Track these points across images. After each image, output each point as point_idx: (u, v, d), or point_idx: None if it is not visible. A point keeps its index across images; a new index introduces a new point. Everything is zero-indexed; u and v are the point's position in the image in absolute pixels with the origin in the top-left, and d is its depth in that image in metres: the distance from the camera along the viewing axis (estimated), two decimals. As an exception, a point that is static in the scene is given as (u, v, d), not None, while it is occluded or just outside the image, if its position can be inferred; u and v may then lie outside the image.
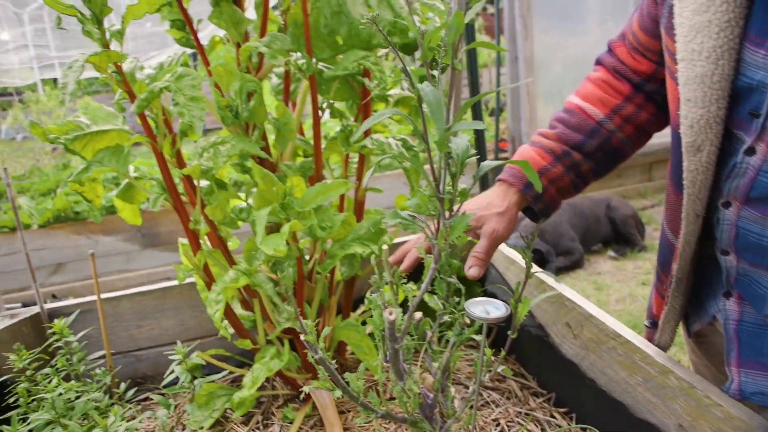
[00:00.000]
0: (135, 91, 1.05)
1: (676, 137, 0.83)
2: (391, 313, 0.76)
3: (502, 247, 1.57)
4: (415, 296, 0.81)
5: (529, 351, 1.43)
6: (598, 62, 1.06)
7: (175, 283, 1.49)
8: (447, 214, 0.72)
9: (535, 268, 1.43)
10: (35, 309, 1.44)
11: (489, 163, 0.73)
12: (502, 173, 1.08)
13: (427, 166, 0.73)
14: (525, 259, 0.89)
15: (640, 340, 1.08)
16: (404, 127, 1.47)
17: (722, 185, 0.77)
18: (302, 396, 0.88)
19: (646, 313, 1.09)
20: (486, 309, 0.80)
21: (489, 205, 1.05)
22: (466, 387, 1.41)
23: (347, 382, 0.91)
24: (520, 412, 1.29)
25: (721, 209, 0.79)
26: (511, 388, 1.38)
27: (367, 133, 1.28)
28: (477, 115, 1.78)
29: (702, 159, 0.75)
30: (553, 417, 1.28)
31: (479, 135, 1.79)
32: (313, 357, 0.83)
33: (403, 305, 1.63)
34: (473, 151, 0.72)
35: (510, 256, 1.52)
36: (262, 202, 1.04)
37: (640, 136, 1.06)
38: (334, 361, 1.30)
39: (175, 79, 0.97)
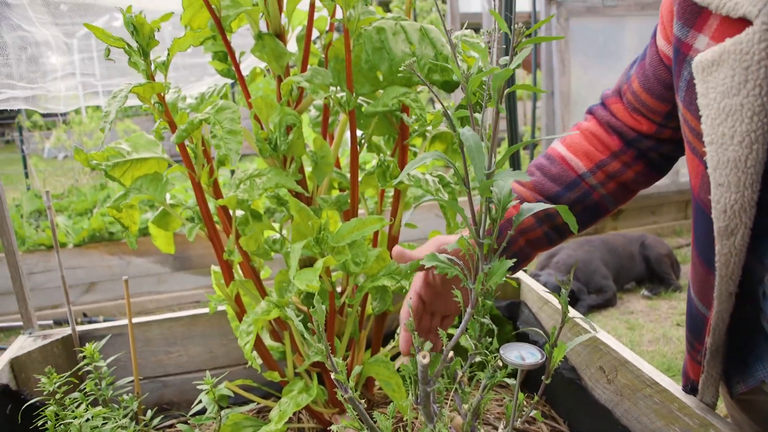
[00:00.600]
0: (176, 122, 1.07)
1: (701, 213, 0.79)
2: (424, 357, 0.75)
3: (537, 286, 1.54)
4: (450, 339, 0.79)
5: (561, 394, 1.39)
6: (590, 112, 1.01)
7: (205, 310, 1.49)
8: (485, 259, 0.71)
9: (571, 311, 1.41)
10: (67, 331, 1.46)
11: (530, 206, 0.72)
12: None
13: (463, 200, 0.71)
14: (561, 303, 0.86)
15: (678, 389, 1.04)
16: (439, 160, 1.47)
17: (766, 261, 0.74)
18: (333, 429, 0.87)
19: (682, 377, 1.03)
20: (521, 354, 0.79)
21: (426, 282, 0.97)
22: (495, 428, 1.37)
23: (375, 421, 0.89)
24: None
25: (766, 283, 0.76)
26: (541, 431, 1.35)
27: (402, 166, 1.28)
28: (515, 158, 1.76)
29: (736, 242, 0.72)
30: (584, 465, 1.24)
31: (514, 160, 1.78)
32: (342, 396, 0.82)
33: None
34: (515, 195, 0.71)
35: (544, 296, 1.49)
36: (297, 235, 1.04)
37: (623, 193, 1.01)
38: (362, 399, 1.29)
39: (215, 111, 0.98)
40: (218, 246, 1.16)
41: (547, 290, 1.05)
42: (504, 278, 1.43)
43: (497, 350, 0.98)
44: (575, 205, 0.97)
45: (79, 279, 3.78)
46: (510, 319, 1.59)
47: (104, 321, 2.81)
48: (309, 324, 0.80)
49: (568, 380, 1.33)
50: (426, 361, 0.75)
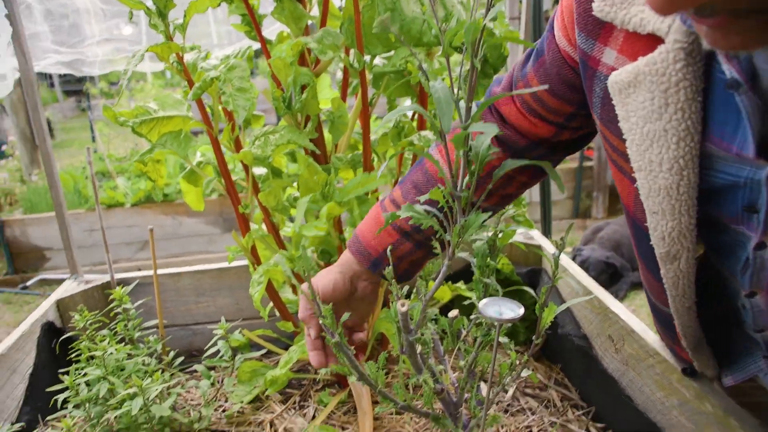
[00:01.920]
0: (195, 80, 1.12)
1: (639, 230, 0.75)
2: (403, 305, 0.78)
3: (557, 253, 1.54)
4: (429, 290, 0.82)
5: (574, 361, 1.40)
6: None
7: (234, 264, 1.56)
8: (462, 212, 0.73)
9: (575, 269, 1.40)
10: (107, 277, 1.56)
11: (512, 162, 0.72)
12: (351, 240, 0.95)
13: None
14: (551, 265, 0.87)
15: (677, 361, 1.03)
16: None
17: (740, 278, 0.69)
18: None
19: (678, 362, 1.01)
20: (500, 309, 0.80)
21: (335, 289, 0.92)
22: (505, 390, 1.40)
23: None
24: (554, 422, 1.27)
25: (744, 298, 0.73)
26: (551, 398, 1.36)
27: (421, 128, 1.29)
28: None
29: (680, 266, 0.69)
30: (589, 431, 1.24)
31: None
32: (330, 341, 0.86)
33: (453, 304, 1.64)
34: (495, 149, 0.72)
35: (563, 264, 1.49)
36: (305, 190, 1.08)
37: (505, 202, 0.96)
38: (373, 356, 1.32)
39: (226, 70, 1.02)
40: (235, 200, 1.21)
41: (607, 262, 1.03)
42: (510, 240, 1.43)
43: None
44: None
45: (135, 237, 3.99)
46: (531, 285, 1.60)
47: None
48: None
49: (579, 348, 1.34)
50: (404, 309, 0.78)
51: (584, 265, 3.15)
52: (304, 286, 0.97)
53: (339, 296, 0.92)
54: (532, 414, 1.30)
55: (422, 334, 0.87)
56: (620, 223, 3.48)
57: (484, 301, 0.82)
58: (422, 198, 0.72)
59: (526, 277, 1.61)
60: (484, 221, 0.72)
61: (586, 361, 1.31)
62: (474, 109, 0.68)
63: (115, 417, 0.99)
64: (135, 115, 1.20)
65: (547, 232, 1.80)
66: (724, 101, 0.57)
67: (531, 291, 1.15)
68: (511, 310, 0.81)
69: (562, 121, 0.81)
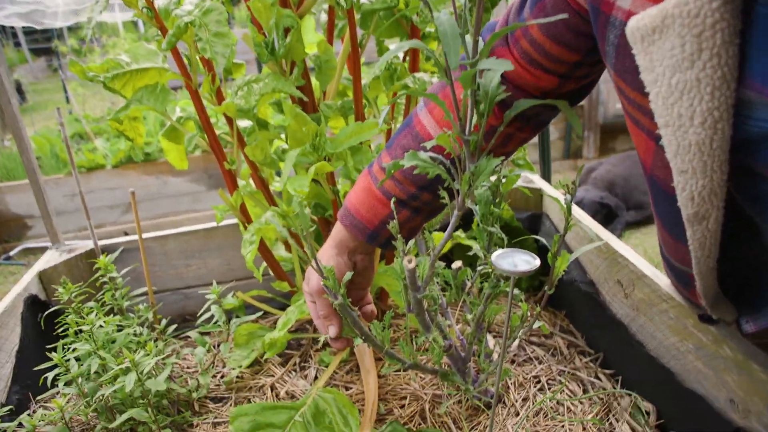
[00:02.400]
0: (168, 28, 1.02)
1: (659, 190, 0.69)
2: (410, 261, 0.72)
3: (559, 197, 1.48)
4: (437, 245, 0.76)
5: (579, 308, 1.36)
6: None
7: (222, 223, 1.50)
8: (472, 157, 0.66)
9: (588, 225, 1.35)
10: (90, 245, 1.49)
11: (524, 102, 0.66)
12: (343, 213, 0.89)
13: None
14: (563, 210, 0.81)
15: (692, 305, 0.99)
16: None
17: None
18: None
19: (692, 308, 0.96)
20: (515, 261, 0.74)
21: (338, 272, 0.89)
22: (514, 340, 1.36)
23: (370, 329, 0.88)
24: (563, 371, 1.24)
25: None
26: (557, 345, 1.33)
27: (414, 71, 1.21)
28: None
29: (709, 226, 0.63)
30: (598, 378, 1.21)
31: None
32: (332, 302, 0.80)
33: (453, 254, 1.59)
34: (503, 87, 0.65)
35: (555, 196, 1.43)
36: (294, 142, 1.00)
37: (508, 155, 0.89)
38: (376, 312, 1.28)
39: (201, 14, 0.93)
40: (220, 156, 1.14)
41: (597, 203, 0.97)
42: (516, 186, 1.37)
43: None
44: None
45: (118, 199, 3.88)
46: (531, 231, 1.55)
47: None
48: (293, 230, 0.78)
49: (585, 294, 1.30)
50: (412, 265, 0.72)
51: (578, 206, 3.11)
52: (310, 272, 0.91)
53: (343, 274, 0.88)
54: (539, 363, 1.27)
55: (429, 291, 0.82)
56: (613, 162, 3.44)
57: (497, 252, 0.76)
58: (428, 144, 0.64)
59: (527, 222, 1.56)
60: (496, 167, 0.65)
61: (593, 307, 1.27)
62: (481, 44, 0.61)
63: (109, 393, 0.94)
64: (106, 69, 1.11)
65: (546, 175, 1.74)
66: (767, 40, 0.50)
67: (543, 239, 1.10)
68: (526, 262, 0.75)
69: (566, 71, 0.74)
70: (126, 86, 1.14)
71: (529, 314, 0.97)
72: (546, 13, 0.70)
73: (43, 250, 3.74)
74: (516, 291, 0.91)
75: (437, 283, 1.12)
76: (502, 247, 1.08)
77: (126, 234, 3.93)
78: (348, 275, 0.82)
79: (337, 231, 0.91)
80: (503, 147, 0.85)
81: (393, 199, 0.73)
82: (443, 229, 1.51)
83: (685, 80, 0.53)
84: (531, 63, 0.75)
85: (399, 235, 0.70)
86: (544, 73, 0.75)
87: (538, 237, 1.04)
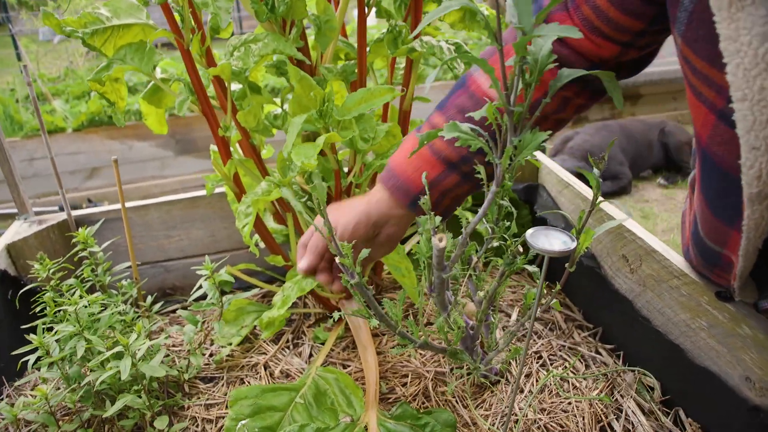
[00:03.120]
0: (158, -23, 0.93)
1: (712, 165, 0.66)
2: (441, 240, 0.67)
3: (557, 169, 1.45)
4: (470, 222, 0.71)
5: (577, 282, 1.34)
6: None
7: (204, 192, 1.42)
8: (515, 130, 0.61)
9: (580, 186, 1.32)
10: (63, 215, 1.39)
11: (571, 71, 0.60)
12: (385, 175, 0.85)
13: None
14: (593, 185, 0.77)
15: (708, 282, 0.97)
16: (453, 35, 1.32)
17: None
18: (335, 316, 0.81)
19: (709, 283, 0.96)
20: (549, 240, 0.70)
21: (354, 231, 0.84)
22: (508, 315, 1.33)
23: (383, 308, 0.83)
24: (563, 346, 1.22)
25: None
26: (555, 320, 1.31)
27: (416, 36, 1.14)
28: None
29: None
30: (599, 353, 1.20)
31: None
32: (348, 281, 0.75)
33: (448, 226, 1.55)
34: (555, 57, 0.59)
35: (564, 179, 1.40)
36: (298, 108, 0.93)
37: (561, 124, 0.86)
38: (370, 285, 1.23)
39: (200, -40, 0.84)
40: (213, 122, 1.06)
41: (579, 170, 0.93)
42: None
43: (515, 235, 0.90)
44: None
45: (81, 164, 3.70)
46: (527, 202, 1.52)
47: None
48: (309, 203, 0.72)
49: (586, 268, 1.27)
50: (442, 244, 0.67)
51: (554, 176, 3.09)
52: (319, 221, 0.85)
53: (357, 239, 0.82)
54: (539, 338, 1.25)
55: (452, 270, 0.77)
56: (589, 132, 3.43)
57: (531, 230, 0.72)
58: (476, 114, 0.59)
59: (522, 194, 1.52)
60: (543, 141, 0.60)
61: (594, 282, 1.25)
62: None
63: (97, 378, 0.87)
64: (84, 24, 1.01)
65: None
66: None
67: (527, 209, 1.06)
68: (563, 242, 0.71)
69: (629, 39, 0.70)
70: (107, 44, 1.04)
71: (546, 292, 0.94)
72: None
73: (3, 217, 3.54)
74: (536, 269, 0.87)
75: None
76: (511, 220, 1.04)
77: (90, 201, 3.78)
78: (364, 252, 0.76)
79: (377, 193, 0.84)
80: (560, 112, 0.80)
81: (422, 138, 0.66)
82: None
83: None
84: (592, 30, 0.71)
85: (432, 213, 0.65)
86: (606, 41, 0.70)
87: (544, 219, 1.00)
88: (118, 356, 0.89)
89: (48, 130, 3.77)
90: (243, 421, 0.88)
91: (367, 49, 1.12)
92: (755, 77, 0.51)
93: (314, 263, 0.87)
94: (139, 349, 0.87)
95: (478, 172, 0.78)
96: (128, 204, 1.39)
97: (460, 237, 0.74)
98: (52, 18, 0.96)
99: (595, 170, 0.79)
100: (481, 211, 0.66)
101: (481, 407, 1.06)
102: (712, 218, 0.72)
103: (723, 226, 0.70)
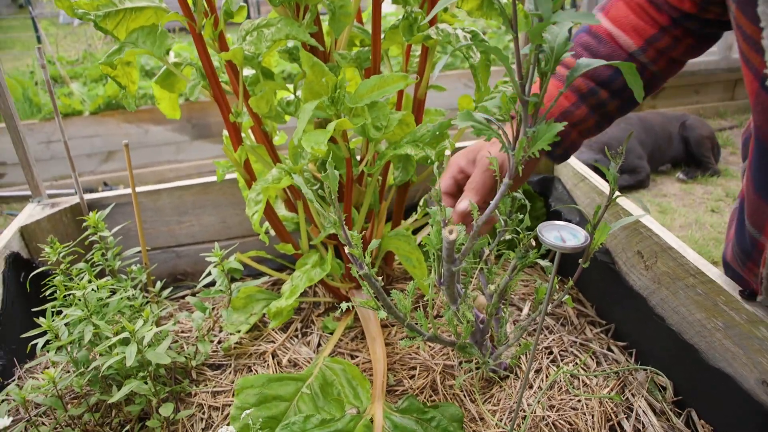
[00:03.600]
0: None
1: (755, 136, 0.67)
2: (451, 232, 0.65)
3: (573, 161, 1.42)
4: (481, 214, 0.69)
5: (591, 276, 1.31)
6: None
7: (215, 178, 1.41)
8: (531, 120, 0.59)
9: (595, 178, 1.29)
10: (75, 199, 1.39)
11: (588, 61, 0.58)
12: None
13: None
14: (609, 179, 0.75)
15: (726, 282, 0.94)
16: (471, 23, 1.30)
17: None
18: (343, 307, 0.80)
19: (736, 281, 0.95)
20: (561, 235, 0.68)
21: (487, 185, 0.88)
22: (520, 309, 1.32)
23: (392, 299, 0.82)
24: (574, 342, 1.20)
25: None
26: (567, 315, 1.28)
27: (432, 23, 1.12)
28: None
29: None
30: (611, 350, 1.18)
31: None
32: (357, 272, 0.74)
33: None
34: (571, 45, 0.57)
35: (580, 172, 1.37)
36: (310, 94, 0.92)
37: (673, 67, 0.89)
38: (380, 275, 1.22)
39: (213, -57, 0.83)
40: (225, 107, 1.05)
41: (595, 164, 0.92)
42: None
43: (528, 228, 0.89)
44: (626, 88, 0.84)
45: (97, 148, 3.71)
46: (542, 195, 1.49)
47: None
48: (321, 191, 0.71)
49: (600, 263, 1.25)
50: (453, 237, 0.65)
51: (570, 169, 3.05)
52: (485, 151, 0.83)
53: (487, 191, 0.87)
54: (550, 333, 1.23)
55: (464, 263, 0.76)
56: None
57: (543, 224, 0.70)
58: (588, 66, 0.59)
59: (537, 186, 1.50)
60: (558, 133, 0.58)
61: (607, 277, 1.23)
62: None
63: (105, 364, 0.87)
64: (96, 7, 1.00)
65: (555, 137, 1.67)
66: None
67: (542, 201, 1.04)
68: (575, 237, 0.69)
69: (701, 1, 0.73)
70: (119, 27, 1.03)
71: (558, 287, 0.92)
72: None
73: (18, 199, 3.57)
74: (549, 264, 0.85)
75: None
76: (524, 212, 1.02)
77: (105, 185, 3.79)
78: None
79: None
80: (671, 50, 0.82)
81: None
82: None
83: None
84: None
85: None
86: None
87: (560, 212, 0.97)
88: (125, 342, 0.88)
89: (65, 113, 3.79)
90: (247, 411, 0.88)
91: (382, 36, 1.10)
92: None
93: (478, 203, 0.88)
94: (145, 336, 0.86)
95: (601, 105, 0.82)
96: (140, 189, 1.39)
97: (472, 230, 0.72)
98: (65, 0, 0.95)
99: (612, 164, 0.77)
100: (493, 202, 0.64)
101: (489, 402, 1.05)
102: (757, 197, 0.73)
103: (763, 205, 0.70)
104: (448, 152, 0.75)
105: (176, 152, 3.80)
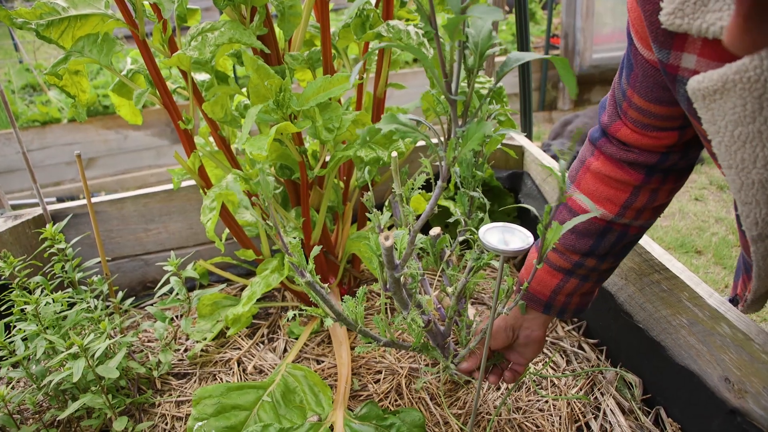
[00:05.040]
0: (108, -36, 0.89)
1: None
2: (387, 238, 0.63)
3: (541, 155, 1.40)
4: (417, 220, 0.67)
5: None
6: (596, 147, 0.85)
7: (184, 184, 1.39)
8: (459, 120, 0.57)
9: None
10: (38, 210, 1.37)
11: (519, 55, 0.56)
12: (516, 285, 0.93)
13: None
14: (558, 180, 0.73)
15: (689, 277, 0.93)
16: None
17: None
18: (290, 315, 0.78)
19: (732, 288, 0.98)
20: (505, 238, 0.66)
21: (494, 339, 0.92)
22: (490, 308, 1.30)
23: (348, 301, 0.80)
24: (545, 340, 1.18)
25: None
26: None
27: (387, 18, 1.10)
28: (522, 6, 1.53)
29: None
30: (581, 349, 1.16)
31: (522, 26, 1.55)
32: (300, 280, 0.72)
33: (433, 221, 1.51)
34: (497, 40, 0.55)
35: (549, 166, 1.35)
36: (256, 98, 0.90)
37: (661, 209, 0.89)
38: (346, 278, 1.20)
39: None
40: (174, 114, 1.02)
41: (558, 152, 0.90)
42: (499, 145, 1.27)
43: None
44: (614, 247, 0.86)
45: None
46: (511, 190, 1.47)
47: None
48: (273, 194, 0.69)
49: (569, 258, 1.23)
50: (389, 243, 0.63)
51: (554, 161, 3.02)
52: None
53: (500, 345, 0.92)
54: (521, 331, 1.21)
55: (408, 267, 0.74)
56: (589, 115, 3.36)
57: (485, 227, 0.68)
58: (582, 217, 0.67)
59: (507, 181, 1.48)
60: (487, 133, 0.56)
61: (577, 273, 1.21)
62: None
63: (53, 381, 0.85)
64: (38, 16, 0.98)
65: (528, 130, 1.65)
66: None
67: (512, 197, 1.02)
68: (520, 239, 0.67)
69: (680, 123, 0.74)
70: (64, 35, 1.01)
71: (515, 287, 0.91)
72: (640, 81, 0.73)
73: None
74: (498, 264, 0.83)
75: (415, 252, 1.04)
76: (484, 212, 1.00)
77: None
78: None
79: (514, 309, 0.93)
80: (652, 202, 0.84)
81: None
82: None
83: (747, 132, 0.57)
84: (645, 128, 0.76)
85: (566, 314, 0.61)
86: (661, 132, 0.75)
87: (529, 209, 0.96)
88: (76, 356, 0.86)
89: (44, 121, 3.75)
90: (200, 423, 0.86)
91: (335, 33, 1.08)
92: (735, 152, 0.59)
93: (472, 365, 0.94)
94: (97, 350, 0.84)
95: (593, 272, 0.87)
96: (103, 198, 1.37)
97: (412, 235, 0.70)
98: (2, 9, 0.92)
99: (561, 162, 0.75)
100: (428, 207, 0.62)
101: (455, 405, 1.03)
102: (741, 235, 0.78)
103: (744, 240, 0.76)
104: (394, 154, 0.73)
105: (157, 157, 3.77)
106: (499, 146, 1.42)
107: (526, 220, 1.45)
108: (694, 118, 0.65)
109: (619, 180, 0.82)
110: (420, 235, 0.93)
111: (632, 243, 0.88)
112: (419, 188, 0.85)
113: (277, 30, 1.07)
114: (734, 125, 0.58)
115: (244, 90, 1.14)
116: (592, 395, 1.04)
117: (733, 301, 0.97)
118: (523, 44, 1.64)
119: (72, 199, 3.39)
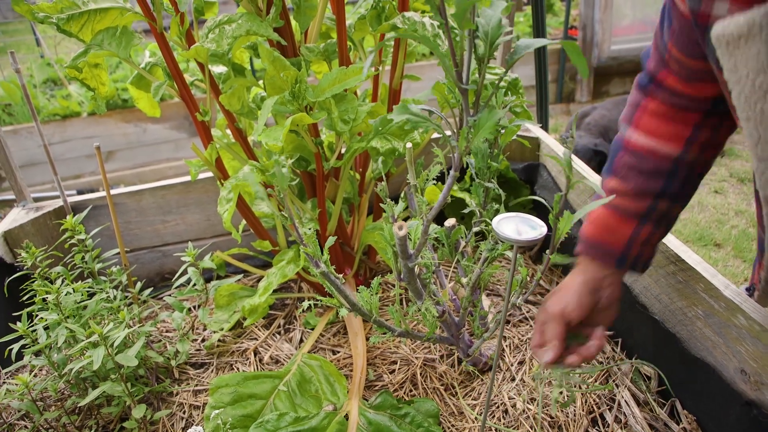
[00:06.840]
0: (126, -42, 0.91)
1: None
2: (401, 228, 0.64)
3: (557, 147, 1.39)
4: (432, 208, 0.68)
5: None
6: (648, 93, 0.84)
7: (201, 176, 1.40)
8: (471, 110, 0.57)
9: (588, 175, 1.27)
10: (59, 202, 1.39)
11: (528, 42, 0.56)
12: (582, 246, 0.88)
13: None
14: (564, 168, 0.73)
15: (705, 268, 0.92)
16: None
17: None
18: (305, 305, 0.79)
19: (751, 277, 0.97)
20: (518, 228, 0.67)
21: (581, 306, 0.84)
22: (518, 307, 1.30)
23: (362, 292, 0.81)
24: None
25: None
26: (554, 304, 1.26)
27: (403, 9, 1.10)
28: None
29: None
30: (597, 339, 1.16)
31: (539, 17, 1.54)
32: (315, 271, 0.72)
33: (445, 209, 1.51)
34: (508, 29, 0.55)
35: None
36: (272, 89, 0.91)
37: (722, 145, 0.87)
38: (361, 269, 1.20)
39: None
40: (192, 106, 1.04)
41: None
42: (514, 137, 1.26)
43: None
44: (684, 186, 0.84)
45: (97, 148, 3.70)
46: (527, 182, 1.47)
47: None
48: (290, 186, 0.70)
49: (585, 250, 1.23)
50: (402, 232, 0.64)
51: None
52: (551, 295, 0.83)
53: (585, 311, 0.85)
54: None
55: (422, 257, 0.74)
56: (607, 107, 3.32)
57: (498, 217, 0.68)
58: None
59: (523, 173, 1.47)
60: (500, 120, 0.56)
61: (593, 265, 1.20)
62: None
63: (74, 369, 0.86)
64: (59, 10, 0.99)
65: (544, 122, 1.64)
66: None
67: (541, 197, 1.02)
68: (532, 228, 0.68)
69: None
70: (84, 29, 1.02)
71: (528, 278, 0.91)
72: (677, 36, 0.73)
73: (12, 203, 3.59)
74: (519, 256, 0.83)
75: (430, 243, 1.04)
76: (499, 203, 1.00)
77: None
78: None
79: (583, 268, 0.87)
80: (716, 137, 0.83)
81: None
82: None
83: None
84: (688, 79, 0.76)
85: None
86: (703, 84, 0.75)
87: (538, 198, 0.95)
88: (96, 345, 0.88)
89: (64, 114, 3.80)
90: (216, 411, 0.87)
91: (351, 25, 1.09)
92: (756, 102, 0.58)
93: (558, 351, 0.84)
94: (117, 338, 0.86)
95: (666, 217, 0.84)
96: (122, 190, 1.39)
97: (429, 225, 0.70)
98: (23, 4, 0.94)
99: (565, 150, 0.75)
100: (441, 197, 0.62)
101: (470, 396, 1.03)
102: (757, 201, 0.77)
103: (760, 212, 0.75)
104: (409, 144, 0.73)
105: (175, 150, 3.80)
106: (514, 137, 1.42)
107: (541, 211, 1.45)
108: (717, 67, 0.64)
109: (678, 119, 0.81)
110: (435, 226, 0.94)
111: (699, 180, 0.87)
112: (434, 180, 0.85)
113: (293, 22, 1.07)
114: (756, 73, 0.57)
115: (260, 82, 1.15)
116: (608, 386, 1.04)
117: (751, 290, 0.95)
118: (539, 35, 1.63)
119: (92, 191, 3.44)
